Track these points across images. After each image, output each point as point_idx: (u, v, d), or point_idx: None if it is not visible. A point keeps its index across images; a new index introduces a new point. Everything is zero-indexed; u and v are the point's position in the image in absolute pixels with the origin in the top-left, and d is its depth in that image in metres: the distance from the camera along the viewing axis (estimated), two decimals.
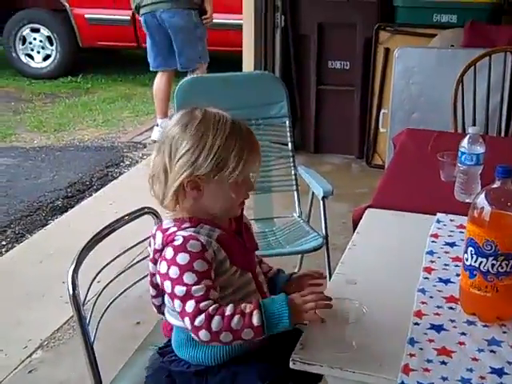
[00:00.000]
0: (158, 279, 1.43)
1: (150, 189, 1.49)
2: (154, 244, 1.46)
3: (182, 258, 1.37)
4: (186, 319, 1.37)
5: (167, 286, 1.39)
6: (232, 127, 1.42)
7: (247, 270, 1.51)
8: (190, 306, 1.36)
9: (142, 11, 5.17)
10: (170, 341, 1.59)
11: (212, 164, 1.39)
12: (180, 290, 1.37)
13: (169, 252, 1.39)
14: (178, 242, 1.39)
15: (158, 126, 5.30)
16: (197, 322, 1.35)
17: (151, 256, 1.47)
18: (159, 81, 5.29)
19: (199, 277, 1.37)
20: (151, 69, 5.31)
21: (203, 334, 1.36)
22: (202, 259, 1.38)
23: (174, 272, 1.38)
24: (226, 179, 1.41)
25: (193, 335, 1.38)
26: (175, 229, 1.43)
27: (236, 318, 1.35)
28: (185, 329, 1.42)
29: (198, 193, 1.43)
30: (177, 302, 1.38)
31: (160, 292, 1.48)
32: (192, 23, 5.10)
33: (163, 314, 1.54)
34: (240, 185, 1.44)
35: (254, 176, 1.50)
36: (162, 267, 1.40)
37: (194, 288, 1.36)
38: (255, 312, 1.36)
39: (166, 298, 1.46)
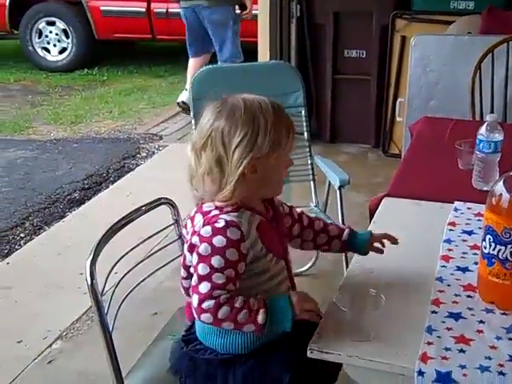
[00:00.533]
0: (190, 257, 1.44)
1: (192, 189, 1.50)
2: (193, 226, 1.47)
3: (219, 241, 1.38)
4: (195, 297, 1.39)
5: (194, 257, 1.41)
6: (272, 108, 1.44)
7: (281, 257, 1.53)
8: (205, 287, 1.38)
9: (181, 4, 5.24)
10: (191, 327, 1.59)
11: (269, 145, 1.41)
12: (203, 268, 1.38)
13: (207, 230, 1.40)
14: (220, 224, 1.40)
15: (186, 90, 5.40)
16: (204, 305, 1.37)
17: (188, 237, 1.47)
18: (193, 66, 5.42)
19: (226, 265, 1.38)
20: (190, 56, 5.48)
21: (206, 317, 1.38)
22: (236, 249, 1.39)
23: (204, 249, 1.39)
24: (281, 157, 1.45)
25: (193, 312, 1.41)
26: (217, 212, 1.44)
27: (243, 312, 1.38)
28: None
29: (255, 176, 1.44)
30: (195, 277, 1.40)
31: (191, 275, 1.47)
32: (231, 18, 5.17)
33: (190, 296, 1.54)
34: (287, 161, 1.50)
35: None
36: (194, 239, 1.42)
37: (215, 274, 1.37)
38: (262, 311, 1.38)
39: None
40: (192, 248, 1.43)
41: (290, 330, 1.40)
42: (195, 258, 1.40)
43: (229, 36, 5.20)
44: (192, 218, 1.49)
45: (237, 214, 1.42)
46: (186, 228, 1.52)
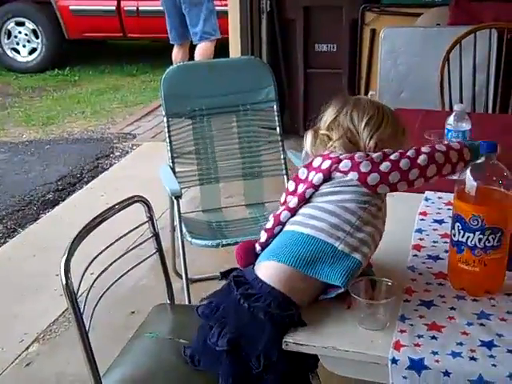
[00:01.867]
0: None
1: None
2: (319, 167, 1.47)
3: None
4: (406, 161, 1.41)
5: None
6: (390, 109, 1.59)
7: None
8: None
9: None
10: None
11: (387, 132, 1.51)
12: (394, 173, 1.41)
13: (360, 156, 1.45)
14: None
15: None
16: (420, 160, 1.42)
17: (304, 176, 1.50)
18: (176, 53, 5.40)
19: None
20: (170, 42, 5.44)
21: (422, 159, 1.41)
22: None
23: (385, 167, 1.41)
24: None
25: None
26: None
27: (451, 152, 1.43)
28: None
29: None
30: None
31: None
32: None
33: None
34: None
35: None
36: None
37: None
38: (466, 150, 1.44)
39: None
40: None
41: None
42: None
43: (203, 13, 5.18)
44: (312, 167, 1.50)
45: None
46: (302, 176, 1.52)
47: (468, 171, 1.39)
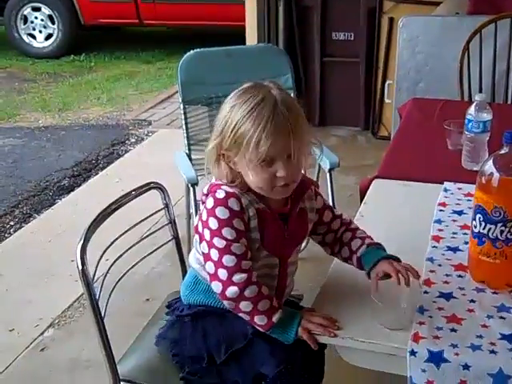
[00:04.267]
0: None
1: None
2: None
3: (222, 213, 1.37)
4: (222, 271, 1.37)
5: (206, 234, 1.39)
6: (257, 105, 1.36)
7: (273, 254, 1.47)
8: (230, 261, 1.36)
9: None
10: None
11: (231, 140, 1.37)
12: (219, 242, 1.37)
13: (209, 202, 1.39)
14: (220, 195, 1.39)
15: None
16: (235, 279, 1.35)
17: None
18: None
19: (238, 235, 1.37)
20: None
21: (232, 291, 1.36)
22: (240, 219, 1.38)
23: (213, 224, 1.38)
24: (244, 157, 1.37)
25: (220, 286, 1.37)
26: (218, 184, 1.43)
27: (266, 301, 1.37)
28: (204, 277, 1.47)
29: (230, 167, 1.41)
30: (214, 252, 1.38)
31: None
32: None
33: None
34: (262, 167, 1.37)
35: (297, 161, 1.40)
36: (203, 214, 1.41)
37: (234, 245, 1.36)
38: (279, 312, 1.37)
39: (198, 243, 1.46)
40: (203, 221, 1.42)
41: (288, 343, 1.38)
42: (207, 233, 1.39)
43: None
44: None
45: (239, 191, 1.41)
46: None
47: (491, 162, 1.37)
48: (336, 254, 1.56)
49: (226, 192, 1.39)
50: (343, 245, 1.53)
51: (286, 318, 1.38)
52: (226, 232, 1.36)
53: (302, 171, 1.46)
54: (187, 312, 1.57)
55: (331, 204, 2.56)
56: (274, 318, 1.37)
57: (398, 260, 1.43)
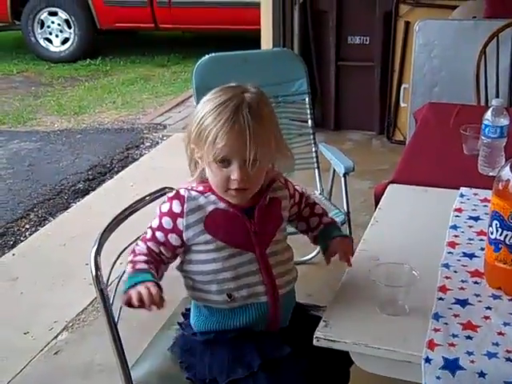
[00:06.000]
0: None
1: None
2: None
3: (164, 207, 1.48)
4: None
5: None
6: (223, 103, 1.39)
7: (246, 250, 1.47)
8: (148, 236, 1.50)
9: None
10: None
11: (195, 133, 1.43)
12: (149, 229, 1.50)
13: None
14: (171, 194, 1.48)
15: None
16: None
17: None
18: None
19: (158, 228, 1.47)
20: None
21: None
22: (172, 220, 1.45)
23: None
24: (204, 153, 1.41)
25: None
26: (186, 185, 1.49)
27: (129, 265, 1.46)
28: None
29: (197, 161, 1.48)
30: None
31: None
32: None
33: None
34: (218, 167, 1.40)
35: (260, 165, 1.41)
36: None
37: (148, 230, 1.49)
38: (145, 272, 1.46)
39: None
40: None
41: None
42: None
43: None
44: None
45: (195, 194, 1.46)
46: None
47: (508, 167, 1.35)
48: (296, 228, 1.69)
49: (177, 193, 1.47)
50: (302, 219, 1.66)
51: (139, 275, 1.43)
52: (156, 221, 1.47)
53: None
54: (200, 338, 1.57)
55: (346, 209, 2.56)
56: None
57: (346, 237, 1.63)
